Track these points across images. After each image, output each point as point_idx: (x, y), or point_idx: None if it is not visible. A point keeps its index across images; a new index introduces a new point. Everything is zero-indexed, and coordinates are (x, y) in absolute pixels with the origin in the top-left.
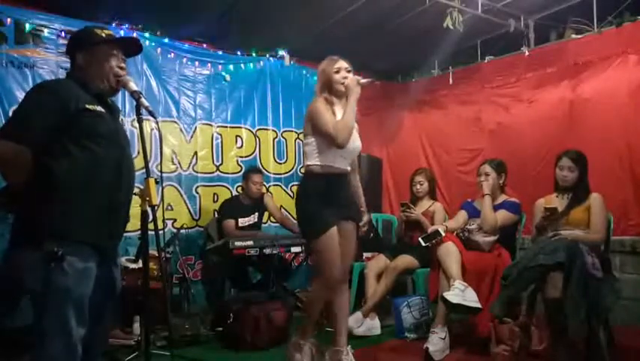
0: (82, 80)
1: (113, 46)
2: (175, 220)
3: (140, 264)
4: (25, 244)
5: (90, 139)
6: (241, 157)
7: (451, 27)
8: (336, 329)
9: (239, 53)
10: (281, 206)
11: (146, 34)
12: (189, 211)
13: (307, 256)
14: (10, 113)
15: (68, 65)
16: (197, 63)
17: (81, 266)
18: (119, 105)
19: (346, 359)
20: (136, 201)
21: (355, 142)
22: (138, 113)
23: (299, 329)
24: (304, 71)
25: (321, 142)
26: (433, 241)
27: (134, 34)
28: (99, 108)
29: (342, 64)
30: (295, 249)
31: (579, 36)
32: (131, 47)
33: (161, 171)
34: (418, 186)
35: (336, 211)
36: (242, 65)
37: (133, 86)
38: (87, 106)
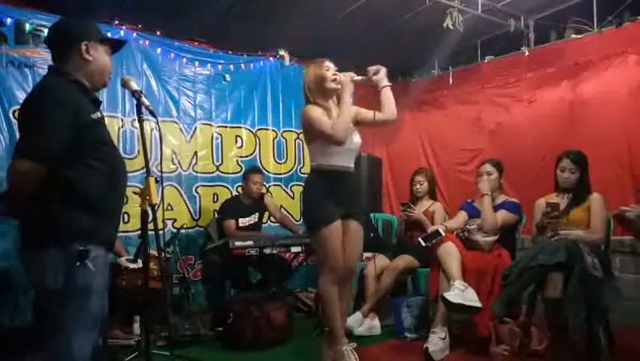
0: (80, 78)
1: (111, 45)
2: (175, 220)
3: (139, 264)
4: (46, 245)
5: (99, 148)
6: (241, 157)
7: (451, 27)
8: None
9: (239, 53)
10: (281, 206)
11: (146, 34)
12: (189, 211)
13: (307, 256)
14: (24, 126)
15: None
16: (197, 63)
17: (101, 262)
18: (119, 105)
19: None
20: (136, 200)
21: (354, 138)
22: (139, 113)
23: (329, 338)
24: (304, 71)
25: (322, 143)
26: (433, 241)
27: (134, 34)
28: (98, 114)
29: (329, 63)
30: (295, 249)
31: (579, 36)
32: (116, 48)
33: (161, 171)
34: (418, 186)
35: (339, 209)
36: (242, 65)
37: (134, 85)
38: (92, 116)
